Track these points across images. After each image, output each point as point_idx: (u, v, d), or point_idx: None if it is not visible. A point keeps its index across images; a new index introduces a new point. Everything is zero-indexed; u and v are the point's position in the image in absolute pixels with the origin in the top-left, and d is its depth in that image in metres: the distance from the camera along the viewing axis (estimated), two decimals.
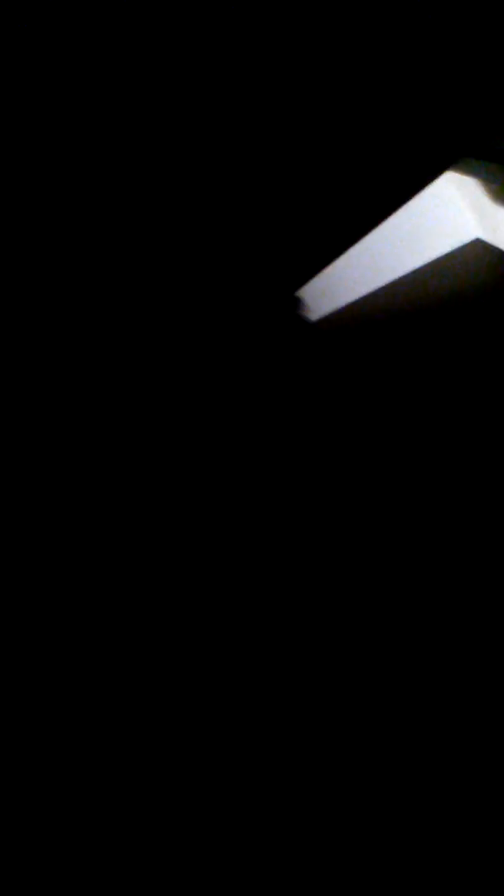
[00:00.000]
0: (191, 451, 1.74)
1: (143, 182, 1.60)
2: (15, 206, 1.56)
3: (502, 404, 1.59)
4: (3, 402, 1.63)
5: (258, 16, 1.33)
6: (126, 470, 1.70)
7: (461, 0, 1.26)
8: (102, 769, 1.50)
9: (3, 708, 1.49)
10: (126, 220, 1.64)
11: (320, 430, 1.77)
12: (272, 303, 1.70)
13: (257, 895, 1.42)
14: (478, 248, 1.47)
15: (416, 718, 1.61)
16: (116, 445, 1.70)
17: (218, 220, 1.66)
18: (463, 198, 1.44)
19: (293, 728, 1.60)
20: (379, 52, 1.38)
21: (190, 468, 1.73)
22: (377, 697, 1.63)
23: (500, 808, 1.49)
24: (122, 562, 1.66)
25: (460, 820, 1.51)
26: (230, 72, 1.42)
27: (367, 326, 1.67)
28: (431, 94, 1.41)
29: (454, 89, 1.41)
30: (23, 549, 1.60)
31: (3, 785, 1.43)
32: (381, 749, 1.59)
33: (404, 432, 1.72)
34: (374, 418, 1.74)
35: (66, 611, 1.59)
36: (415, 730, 1.60)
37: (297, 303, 1.70)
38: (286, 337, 1.72)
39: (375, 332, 1.66)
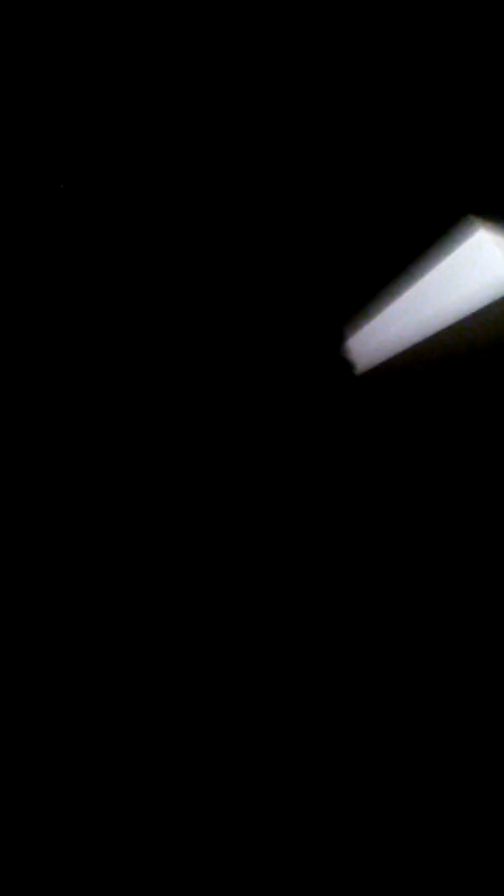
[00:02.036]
0: (232, 501, 1.73)
1: (191, 240, 1.60)
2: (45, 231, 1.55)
3: None
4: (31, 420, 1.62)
5: (292, 60, 1.35)
6: (166, 505, 1.71)
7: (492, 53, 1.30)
8: (103, 768, 1.50)
9: (2, 708, 1.47)
10: (173, 277, 1.65)
11: (369, 476, 1.75)
12: (318, 356, 1.69)
13: (257, 895, 1.44)
14: None
15: (415, 719, 1.61)
16: (155, 483, 1.70)
17: (263, 258, 1.68)
18: None
19: (293, 727, 1.60)
20: (438, 102, 1.41)
21: (229, 516, 1.72)
22: (377, 701, 1.63)
23: (500, 807, 1.49)
24: (140, 578, 1.66)
25: (460, 818, 1.50)
26: (266, 116, 1.43)
27: (416, 376, 1.67)
28: (478, 145, 1.44)
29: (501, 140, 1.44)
30: (23, 549, 1.60)
31: (3, 785, 1.42)
32: (379, 746, 1.59)
33: (454, 481, 1.72)
34: (423, 468, 1.72)
35: (66, 613, 1.59)
36: (413, 728, 1.60)
37: (343, 355, 1.70)
38: (332, 389, 1.72)
39: (424, 382, 1.66)
